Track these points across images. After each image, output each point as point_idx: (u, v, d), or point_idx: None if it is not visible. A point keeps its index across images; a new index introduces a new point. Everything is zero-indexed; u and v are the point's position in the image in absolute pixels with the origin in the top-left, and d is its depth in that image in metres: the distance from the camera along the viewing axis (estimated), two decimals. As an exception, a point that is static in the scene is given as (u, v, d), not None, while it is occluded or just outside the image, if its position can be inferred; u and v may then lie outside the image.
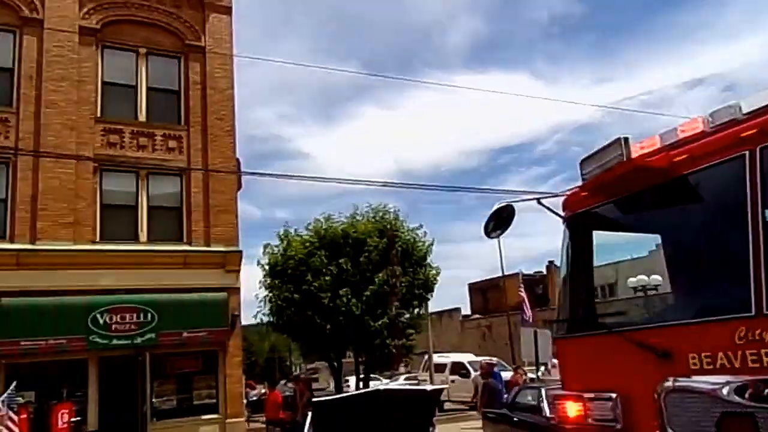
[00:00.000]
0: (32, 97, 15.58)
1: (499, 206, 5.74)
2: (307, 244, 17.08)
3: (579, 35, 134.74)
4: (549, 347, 18.00)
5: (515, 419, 11.87)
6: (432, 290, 18.29)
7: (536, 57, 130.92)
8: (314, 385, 20.51)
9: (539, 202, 5.99)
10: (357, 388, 19.16)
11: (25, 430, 12.86)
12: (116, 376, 15.31)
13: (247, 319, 17.81)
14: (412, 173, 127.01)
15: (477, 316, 46.42)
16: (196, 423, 15.82)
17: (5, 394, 13.18)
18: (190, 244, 16.56)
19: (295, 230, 17.97)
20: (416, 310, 18.14)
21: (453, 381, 22.07)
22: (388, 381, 25.82)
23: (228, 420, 16.10)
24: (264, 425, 17.32)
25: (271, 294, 17.23)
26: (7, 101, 15.47)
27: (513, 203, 5.90)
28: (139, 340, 15.08)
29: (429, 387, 10.45)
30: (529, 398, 11.97)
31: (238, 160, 17.76)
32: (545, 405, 10.77)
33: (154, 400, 15.48)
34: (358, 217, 18.09)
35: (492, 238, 6.20)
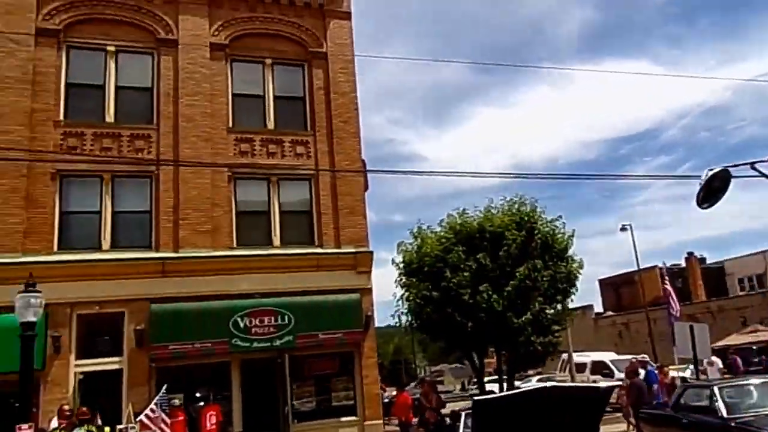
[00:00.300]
0: (170, 113, 15.49)
1: (710, 173, 4.83)
2: (443, 240, 15.61)
3: (700, 14, 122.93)
4: (708, 343, 15.38)
5: (684, 421, 10.12)
6: (575, 284, 16.20)
7: (654, 41, 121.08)
8: (439, 388, 18.91)
9: (753, 167, 5.14)
10: (501, 388, 17.36)
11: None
12: (257, 378, 14.68)
13: (376, 321, 16.61)
14: (529, 168, 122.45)
15: (611, 313, 42.50)
16: (335, 425, 14.83)
17: (157, 397, 12.89)
18: (321, 246, 15.72)
19: (428, 227, 16.67)
20: (560, 306, 16.05)
21: (594, 381, 19.64)
22: (519, 383, 23.71)
23: (366, 422, 14.97)
24: (398, 427, 16.06)
25: (408, 292, 15.93)
26: (148, 118, 15.47)
27: (727, 167, 4.99)
28: (277, 342, 14.34)
29: (603, 385, 8.81)
30: (698, 398, 10.15)
31: (363, 161, 16.78)
32: (721, 405, 9.21)
33: (294, 401, 14.67)
34: (493, 211, 16.43)
35: (704, 208, 5.16)
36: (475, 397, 7.36)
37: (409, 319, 16.28)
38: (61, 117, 14.81)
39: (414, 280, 15.75)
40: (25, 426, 9.51)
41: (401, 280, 16.29)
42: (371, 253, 15.75)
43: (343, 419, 14.95)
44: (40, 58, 14.82)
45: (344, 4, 17.61)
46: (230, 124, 16.01)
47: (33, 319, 10.05)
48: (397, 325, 17.64)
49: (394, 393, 16.47)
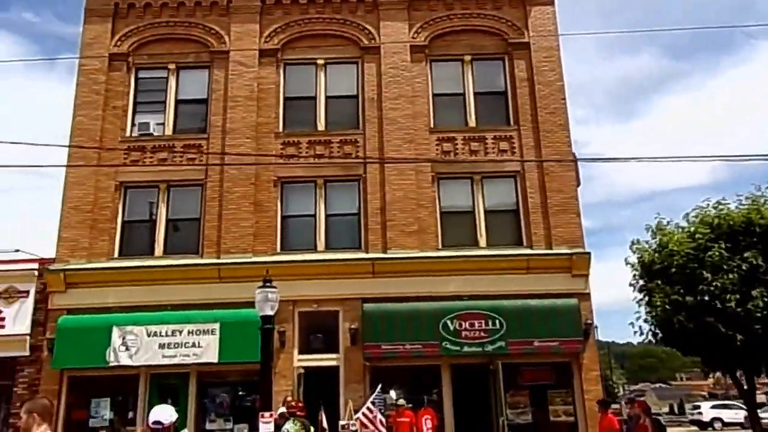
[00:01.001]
0: (375, 118, 15.60)
1: None
2: (697, 235, 13.20)
3: None
4: None
5: None
6: None
7: None
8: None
9: None
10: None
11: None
12: (468, 383, 13.88)
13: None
14: (743, 165, 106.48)
15: None
16: (553, 442, 13.39)
17: (373, 396, 12.76)
18: (530, 247, 14.49)
19: (668, 222, 14.34)
20: None
21: None
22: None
23: (589, 442, 13.28)
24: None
25: (652, 297, 13.73)
26: (355, 124, 15.75)
27: None
28: (489, 347, 13.41)
29: None
30: None
31: (573, 154, 15.20)
32: None
33: (508, 411, 13.56)
34: (761, 200, 13.46)
35: None
36: None
37: (652, 328, 14.03)
38: (281, 128, 15.73)
39: (658, 282, 13.51)
40: (266, 414, 9.80)
41: (638, 283, 14.16)
42: (589, 254, 14.08)
43: (564, 437, 13.44)
44: (263, 76, 15.95)
45: (546, -11, 16.30)
46: (432, 124, 15.64)
47: (270, 312, 10.46)
48: (635, 333, 15.38)
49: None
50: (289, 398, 12.77)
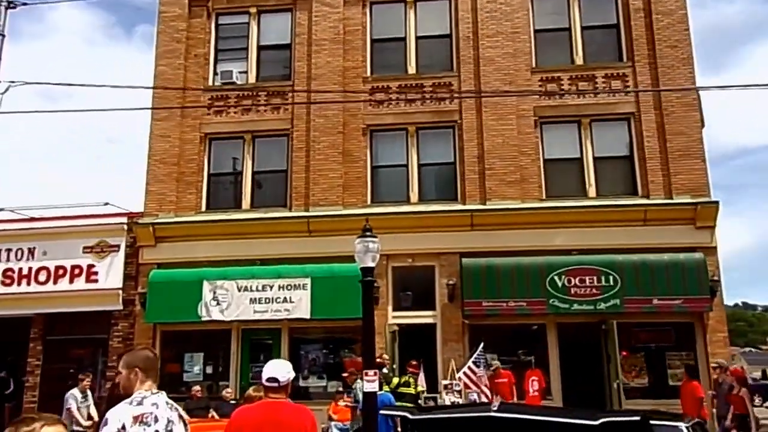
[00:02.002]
0: (470, 58, 14.94)
1: None
2: None
3: None
4: None
5: None
6: None
7: None
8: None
9: None
10: None
11: (506, 394, 11.90)
12: (577, 344, 13.46)
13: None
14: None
15: None
16: (674, 408, 12.80)
17: (475, 355, 12.55)
18: (647, 197, 13.67)
19: None
20: None
21: None
22: None
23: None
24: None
25: None
26: (449, 66, 15.16)
27: None
28: (602, 306, 12.85)
29: None
30: None
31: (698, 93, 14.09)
32: None
33: (622, 375, 13.07)
34: None
35: None
36: None
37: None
38: (368, 73, 15.36)
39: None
40: (371, 372, 9.71)
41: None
42: (716, 204, 13.15)
43: (684, 402, 12.83)
44: (348, 17, 15.53)
45: None
46: (534, 64, 14.84)
47: (371, 264, 10.17)
48: None
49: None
50: (386, 356, 12.81)
